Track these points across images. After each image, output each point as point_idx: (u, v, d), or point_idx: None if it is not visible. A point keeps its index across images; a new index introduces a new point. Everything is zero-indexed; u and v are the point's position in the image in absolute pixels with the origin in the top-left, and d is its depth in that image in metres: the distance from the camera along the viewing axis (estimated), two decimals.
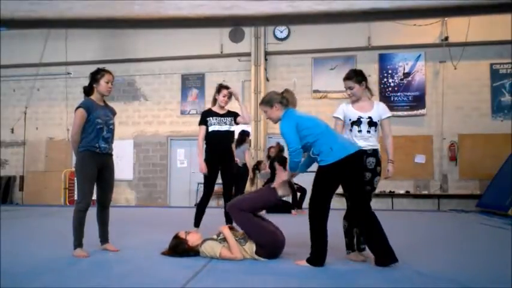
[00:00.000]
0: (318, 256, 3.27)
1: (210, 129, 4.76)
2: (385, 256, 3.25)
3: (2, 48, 10.91)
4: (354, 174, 3.29)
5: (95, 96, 3.81)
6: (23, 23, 0.93)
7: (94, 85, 3.80)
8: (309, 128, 3.33)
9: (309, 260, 3.30)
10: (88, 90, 3.84)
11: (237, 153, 7.90)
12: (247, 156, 8.27)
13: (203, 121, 4.83)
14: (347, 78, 3.66)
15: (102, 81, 3.78)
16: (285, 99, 3.49)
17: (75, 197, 4.13)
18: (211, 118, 4.79)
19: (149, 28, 0.95)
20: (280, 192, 3.62)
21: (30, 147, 12.29)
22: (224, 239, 3.56)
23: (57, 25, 0.95)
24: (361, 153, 3.36)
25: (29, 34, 11.91)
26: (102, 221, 3.92)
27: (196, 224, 4.76)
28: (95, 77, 3.80)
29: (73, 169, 9.85)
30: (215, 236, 3.67)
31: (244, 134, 8.32)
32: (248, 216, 3.53)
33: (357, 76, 3.62)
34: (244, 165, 8.12)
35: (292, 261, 3.44)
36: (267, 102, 3.52)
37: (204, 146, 4.87)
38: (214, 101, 4.93)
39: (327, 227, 3.29)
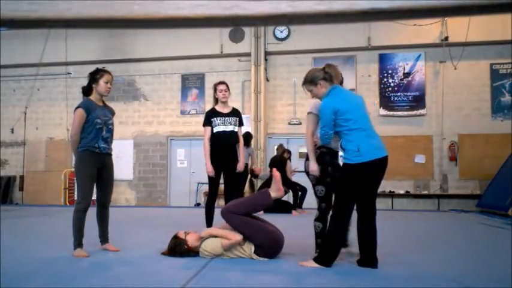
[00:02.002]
0: (328, 256, 3.22)
1: (215, 130, 4.70)
2: (371, 259, 3.23)
3: (2, 48, 10.91)
4: (377, 179, 3.25)
5: (94, 97, 3.81)
6: (23, 23, 0.93)
7: (93, 85, 3.78)
8: (347, 119, 3.20)
9: (317, 259, 3.24)
10: (87, 91, 3.83)
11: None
12: (250, 160, 8.32)
13: (208, 122, 4.76)
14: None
15: (101, 81, 3.76)
16: (328, 75, 3.37)
17: (75, 197, 4.13)
18: (215, 119, 4.73)
19: (149, 28, 0.95)
20: (273, 194, 3.63)
21: (30, 147, 12.29)
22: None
23: (57, 25, 0.94)
24: (387, 159, 3.26)
25: (29, 34, 11.91)
26: (102, 221, 3.91)
27: (209, 225, 4.71)
28: (94, 77, 3.78)
29: (73, 169, 9.85)
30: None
31: (249, 136, 8.33)
32: (242, 218, 3.52)
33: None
34: (246, 165, 8.12)
35: (292, 261, 3.43)
36: (311, 81, 3.41)
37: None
38: (216, 100, 4.87)
39: (347, 228, 3.25)
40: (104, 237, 3.93)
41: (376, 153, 3.17)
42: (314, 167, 3.48)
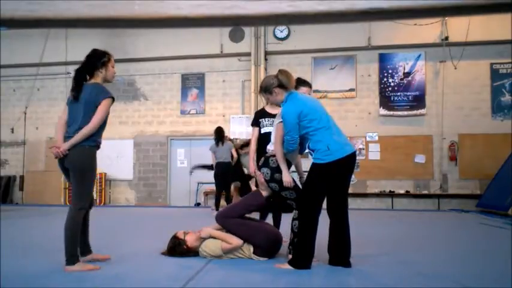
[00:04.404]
0: (304, 258, 3.18)
1: (263, 130, 4.56)
2: (344, 258, 3.23)
3: (2, 48, 10.90)
4: (346, 176, 3.28)
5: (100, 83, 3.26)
6: (23, 23, 0.93)
7: (100, 70, 3.22)
8: (311, 120, 3.22)
9: (292, 262, 3.20)
10: (85, 76, 3.22)
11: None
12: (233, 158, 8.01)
13: (256, 122, 4.64)
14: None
15: (110, 66, 3.30)
16: (282, 82, 3.36)
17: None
18: (263, 119, 4.59)
19: (149, 28, 0.96)
20: (264, 193, 3.62)
21: (30, 147, 12.29)
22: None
23: (57, 25, 0.94)
24: (355, 155, 3.30)
25: (29, 34, 11.90)
26: (85, 227, 3.35)
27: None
28: (102, 60, 3.23)
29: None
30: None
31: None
32: (236, 221, 3.52)
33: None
34: (230, 163, 7.93)
35: None
36: (265, 90, 3.44)
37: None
38: (267, 99, 4.81)
39: (317, 228, 3.20)
40: (86, 247, 3.38)
41: (345, 150, 3.19)
42: (288, 178, 3.41)
